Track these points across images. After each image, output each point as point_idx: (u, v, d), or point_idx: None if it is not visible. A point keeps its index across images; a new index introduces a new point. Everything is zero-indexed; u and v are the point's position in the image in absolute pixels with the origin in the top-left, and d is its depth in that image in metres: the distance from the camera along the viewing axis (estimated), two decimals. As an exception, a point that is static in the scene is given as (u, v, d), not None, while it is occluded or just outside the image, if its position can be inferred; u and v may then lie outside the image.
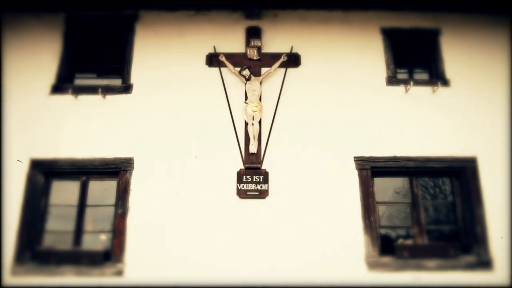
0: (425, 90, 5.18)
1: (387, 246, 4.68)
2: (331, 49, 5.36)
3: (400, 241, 4.78)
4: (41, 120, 5.05)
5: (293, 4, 5.43)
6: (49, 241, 4.78)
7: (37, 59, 5.31)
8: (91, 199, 4.90)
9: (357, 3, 5.40)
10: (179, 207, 4.71)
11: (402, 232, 4.85)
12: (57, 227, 4.83)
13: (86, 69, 5.50)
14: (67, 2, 5.42)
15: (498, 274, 4.53)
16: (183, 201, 4.73)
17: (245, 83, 5.10)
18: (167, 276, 4.47)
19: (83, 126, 5.02)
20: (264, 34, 5.41)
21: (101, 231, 4.82)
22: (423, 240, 4.74)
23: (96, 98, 5.13)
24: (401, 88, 5.19)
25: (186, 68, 5.26)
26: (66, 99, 5.13)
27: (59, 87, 5.20)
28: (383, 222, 4.83)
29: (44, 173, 4.89)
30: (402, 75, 5.42)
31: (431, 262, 4.54)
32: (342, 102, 5.13)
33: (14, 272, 4.52)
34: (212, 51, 5.33)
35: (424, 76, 5.46)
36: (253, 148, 4.87)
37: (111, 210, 4.82)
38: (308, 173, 4.83)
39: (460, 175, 4.91)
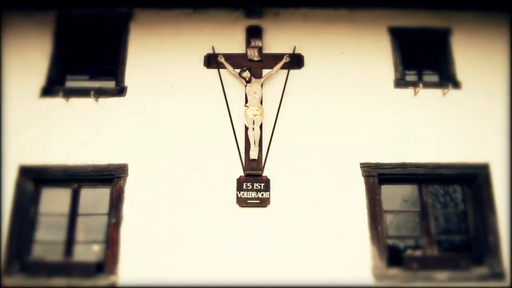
0: (435, 92, 5.18)
1: (395, 257, 4.68)
2: (336, 49, 5.37)
3: (409, 252, 4.78)
4: (30, 124, 5.05)
5: (296, 2, 5.43)
6: (39, 251, 4.78)
7: (26, 59, 5.32)
8: (83, 207, 4.90)
9: (364, 1, 5.40)
10: (175, 216, 4.71)
11: (410, 242, 4.85)
12: (48, 237, 4.83)
13: (78, 71, 5.52)
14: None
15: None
16: (180, 210, 4.73)
17: (245, 86, 5.09)
18: (163, 289, 4.47)
19: (74, 130, 5.03)
20: (265, 33, 5.41)
21: (94, 241, 4.81)
22: (433, 251, 4.75)
23: (89, 101, 5.13)
24: (410, 91, 5.19)
25: (183, 70, 5.26)
26: (57, 102, 5.13)
27: (49, 90, 5.21)
28: (391, 232, 4.84)
29: (34, 180, 4.89)
30: (411, 77, 5.44)
31: (442, 274, 4.54)
32: (347, 105, 5.14)
33: (2, 285, 4.51)
34: (210, 51, 5.32)
35: (434, 78, 5.47)
36: (253, 154, 4.86)
37: (104, 219, 4.81)
38: (311, 180, 4.83)
39: (472, 182, 4.92)
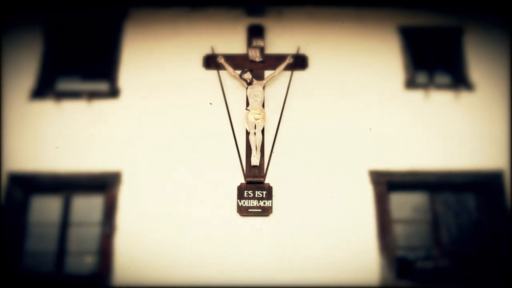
0: (447, 95, 5.16)
1: (404, 269, 4.66)
2: (342, 49, 5.33)
3: (419, 263, 4.76)
4: (19, 128, 5.03)
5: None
6: (28, 263, 4.76)
7: (16, 60, 5.29)
8: (75, 216, 4.88)
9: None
10: (172, 226, 4.68)
11: (421, 253, 4.83)
12: (38, 247, 4.80)
13: (70, 72, 5.47)
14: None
15: (528, 300, 4.50)
16: (177, 220, 4.71)
17: (247, 88, 5.05)
18: (159, 304, 4.45)
19: (66, 135, 5.00)
20: (267, 33, 5.37)
21: (86, 252, 4.79)
22: (445, 263, 4.72)
23: (81, 104, 5.12)
24: (420, 93, 5.17)
25: (180, 71, 5.24)
26: (48, 105, 5.12)
27: (39, 92, 5.19)
28: (400, 242, 4.81)
29: (23, 187, 4.87)
30: (421, 78, 5.38)
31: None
32: (354, 108, 5.11)
33: (-10, 299, 4.51)
34: (209, 52, 5.30)
35: (445, 79, 5.42)
36: (255, 160, 4.83)
37: (97, 229, 4.79)
38: (316, 188, 4.81)
39: (486, 190, 4.89)
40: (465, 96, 5.15)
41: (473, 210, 4.95)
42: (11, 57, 5.28)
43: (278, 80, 5.18)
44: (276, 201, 4.76)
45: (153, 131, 5.01)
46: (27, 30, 5.42)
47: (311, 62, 5.28)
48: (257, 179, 4.81)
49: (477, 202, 4.94)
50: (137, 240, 4.64)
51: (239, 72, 5.11)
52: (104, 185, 4.83)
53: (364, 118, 5.08)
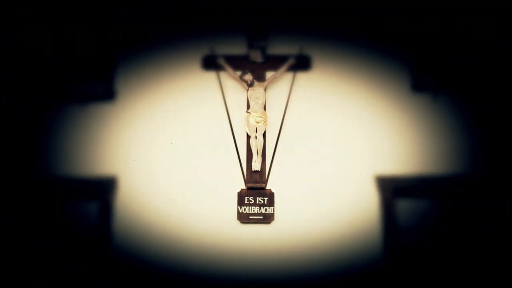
0: (456, 96, 5.11)
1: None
2: (347, 50, 5.25)
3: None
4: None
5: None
6: (20, 272, 4.67)
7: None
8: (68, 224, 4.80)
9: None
10: (169, 234, 4.65)
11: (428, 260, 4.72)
12: (30, 256, 4.72)
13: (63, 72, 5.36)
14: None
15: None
16: (175, 227, 4.67)
17: (247, 90, 4.98)
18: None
19: (58, 138, 4.97)
20: (269, 33, 5.28)
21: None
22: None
23: (75, 106, 5.07)
24: (428, 95, 5.10)
25: (179, 72, 5.18)
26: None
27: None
28: (407, 248, 4.72)
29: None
30: (428, 80, 5.26)
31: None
32: (359, 111, 5.05)
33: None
34: (208, 52, 5.23)
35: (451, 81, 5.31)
36: (256, 165, 4.78)
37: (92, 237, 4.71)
38: (320, 194, 4.76)
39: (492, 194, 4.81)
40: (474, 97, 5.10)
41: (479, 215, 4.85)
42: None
43: (280, 81, 5.12)
44: (278, 208, 4.71)
45: (150, 135, 4.96)
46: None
47: (315, 62, 5.21)
48: (258, 184, 4.76)
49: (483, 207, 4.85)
50: (134, 248, 4.61)
51: (239, 73, 5.05)
52: (100, 190, 4.81)
53: (369, 121, 5.02)
